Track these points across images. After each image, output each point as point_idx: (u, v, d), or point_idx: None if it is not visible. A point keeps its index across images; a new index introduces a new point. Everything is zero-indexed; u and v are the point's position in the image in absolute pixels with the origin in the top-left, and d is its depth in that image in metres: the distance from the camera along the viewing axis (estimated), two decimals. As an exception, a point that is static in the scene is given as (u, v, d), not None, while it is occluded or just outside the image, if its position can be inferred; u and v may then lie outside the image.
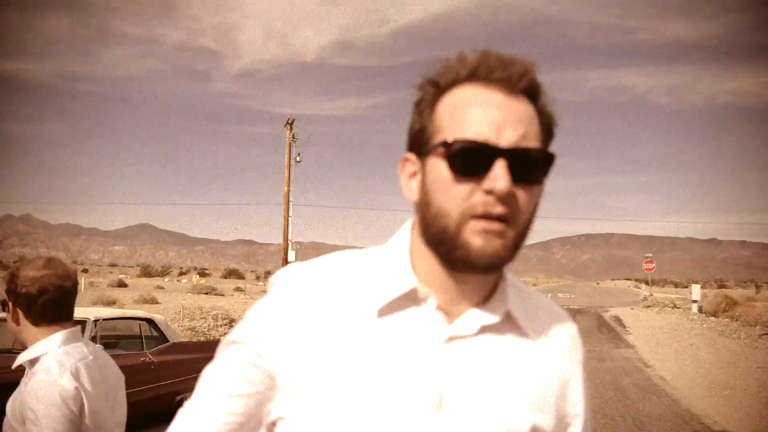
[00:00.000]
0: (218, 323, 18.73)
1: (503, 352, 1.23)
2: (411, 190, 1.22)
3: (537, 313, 1.31)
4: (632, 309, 43.11)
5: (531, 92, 1.18)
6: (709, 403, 12.05)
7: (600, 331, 27.23)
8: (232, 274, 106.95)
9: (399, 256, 1.24)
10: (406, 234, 1.26)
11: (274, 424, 1.22)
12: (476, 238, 1.12)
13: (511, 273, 1.28)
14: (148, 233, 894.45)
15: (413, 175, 1.22)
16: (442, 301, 1.20)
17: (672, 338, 23.87)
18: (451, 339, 1.19)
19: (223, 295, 45.44)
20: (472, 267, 1.14)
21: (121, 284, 64.89)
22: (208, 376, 1.24)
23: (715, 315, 32.56)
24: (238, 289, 58.97)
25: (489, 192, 1.11)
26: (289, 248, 45.32)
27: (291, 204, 45.63)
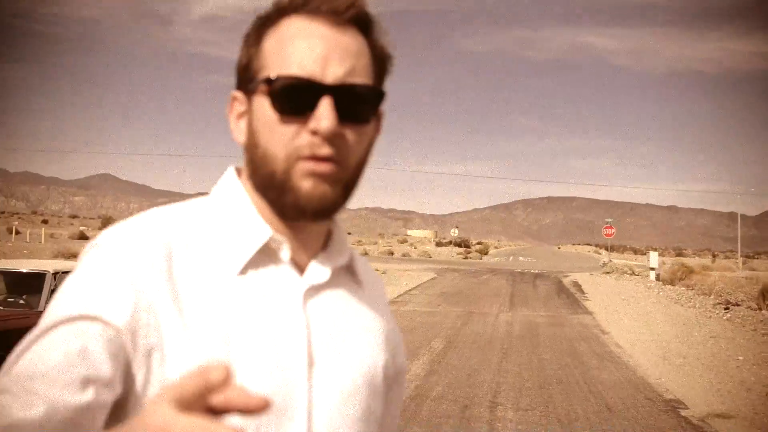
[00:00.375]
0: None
1: (352, 298, 1.21)
2: (239, 131, 1.13)
3: (359, 261, 1.28)
4: (591, 275, 43.52)
5: (361, 24, 1.12)
6: (663, 371, 12.29)
7: (559, 297, 27.57)
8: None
9: (243, 206, 1.14)
10: (234, 181, 1.17)
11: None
12: (304, 181, 1.06)
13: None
14: (109, 184, 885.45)
15: (241, 115, 1.13)
16: (291, 251, 1.14)
17: (629, 305, 24.21)
18: (307, 292, 1.14)
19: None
20: (303, 212, 1.08)
21: (82, 236, 64.36)
22: (37, 358, 0.92)
23: (671, 283, 33.05)
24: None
25: (314, 132, 1.05)
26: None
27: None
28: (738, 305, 23.00)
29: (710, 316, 21.42)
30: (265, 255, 1.12)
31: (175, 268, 1.05)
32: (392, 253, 76.08)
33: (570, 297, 27.70)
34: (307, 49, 1.06)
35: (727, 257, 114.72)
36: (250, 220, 1.12)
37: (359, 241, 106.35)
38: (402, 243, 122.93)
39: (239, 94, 1.13)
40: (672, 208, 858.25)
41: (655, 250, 46.75)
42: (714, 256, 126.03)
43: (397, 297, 25.18)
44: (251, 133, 1.10)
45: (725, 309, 22.55)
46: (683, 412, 9.35)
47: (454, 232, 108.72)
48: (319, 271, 1.16)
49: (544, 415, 8.85)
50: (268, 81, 1.06)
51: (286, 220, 1.13)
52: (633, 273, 42.82)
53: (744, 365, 13.02)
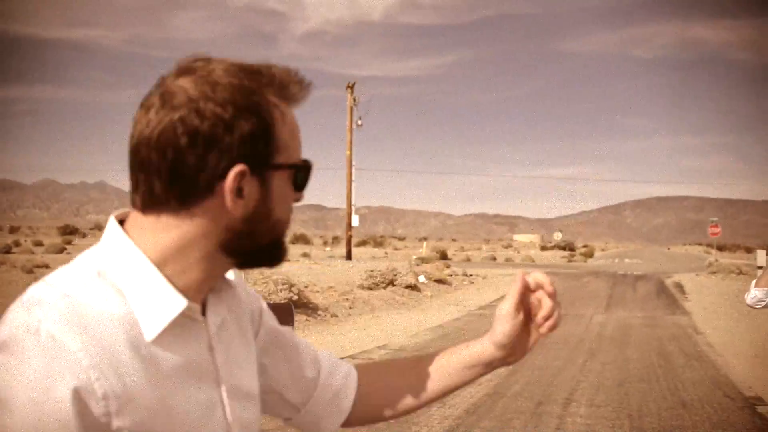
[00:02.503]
0: (278, 288, 19.35)
1: (233, 309, 1.36)
2: (238, 204, 1.18)
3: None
4: (697, 275, 42.54)
5: None
6: (751, 371, 12.17)
7: (658, 297, 27.24)
8: (299, 239, 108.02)
9: (149, 275, 1.17)
10: (128, 245, 1.18)
11: None
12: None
13: None
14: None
15: (242, 189, 1.18)
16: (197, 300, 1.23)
17: (730, 305, 23.71)
18: (212, 338, 1.26)
19: (288, 260, 46.13)
20: (280, 262, 1.29)
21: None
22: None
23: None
24: (304, 254, 59.81)
25: (297, 200, 1.28)
26: (353, 213, 45.95)
27: (354, 168, 46.16)
28: None
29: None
30: (181, 318, 1.19)
31: (103, 345, 1.08)
32: (495, 258, 75.72)
33: (669, 298, 27.31)
34: (299, 137, 1.26)
35: None
36: (161, 291, 1.16)
37: (462, 248, 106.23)
38: (506, 248, 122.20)
39: (246, 170, 1.16)
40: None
41: (764, 248, 45.21)
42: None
43: (492, 302, 25.33)
44: (263, 206, 1.20)
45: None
46: (760, 409, 9.35)
47: (558, 236, 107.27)
48: (215, 317, 1.28)
49: (615, 411, 9.03)
50: (295, 166, 1.24)
51: (242, 267, 1.29)
52: (740, 272, 41.60)
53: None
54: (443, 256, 68.46)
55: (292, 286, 19.53)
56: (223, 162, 1.14)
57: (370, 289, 25.71)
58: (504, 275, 41.38)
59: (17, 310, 1.08)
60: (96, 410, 1.05)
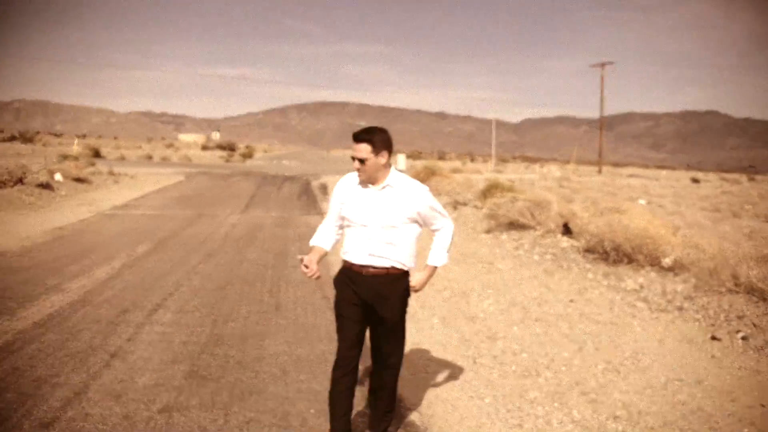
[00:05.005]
0: None
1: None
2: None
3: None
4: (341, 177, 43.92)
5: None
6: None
7: (299, 198, 27.51)
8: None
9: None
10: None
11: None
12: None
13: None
14: None
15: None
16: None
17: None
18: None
19: None
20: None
21: None
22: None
23: (415, 184, 33.85)
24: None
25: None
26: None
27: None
28: (465, 204, 23.85)
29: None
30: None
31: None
32: (151, 158, 73.41)
33: (310, 198, 27.72)
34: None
35: (485, 160, 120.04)
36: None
37: (117, 146, 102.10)
38: (168, 147, 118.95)
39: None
40: (440, 114, 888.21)
41: (420, 154, 47.71)
42: (472, 159, 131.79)
43: (130, 201, 24.17)
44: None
45: (453, 208, 23.34)
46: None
47: (216, 135, 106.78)
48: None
49: (201, 317, 8.50)
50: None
51: None
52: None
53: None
54: (96, 154, 65.14)
55: None
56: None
57: (-5, 187, 23.39)
58: (154, 174, 40.11)
59: None
60: None
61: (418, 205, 4.85)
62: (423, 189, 4.94)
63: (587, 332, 8.28)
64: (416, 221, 4.92)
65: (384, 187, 4.84)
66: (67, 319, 8.18)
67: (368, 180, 4.84)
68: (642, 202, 29.66)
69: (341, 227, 5.14)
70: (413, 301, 9.62)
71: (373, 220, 4.83)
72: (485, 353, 7.42)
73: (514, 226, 16.82)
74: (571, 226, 15.55)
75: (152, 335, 7.65)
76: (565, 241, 14.69)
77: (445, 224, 5.12)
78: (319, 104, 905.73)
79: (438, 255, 5.15)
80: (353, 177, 4.97)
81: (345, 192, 5.01)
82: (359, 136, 4.80)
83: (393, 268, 4.88)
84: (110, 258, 12.43)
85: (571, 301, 9.92)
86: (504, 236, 16.37)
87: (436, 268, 5.21)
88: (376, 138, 4.79)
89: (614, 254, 12.22)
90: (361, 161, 4.76)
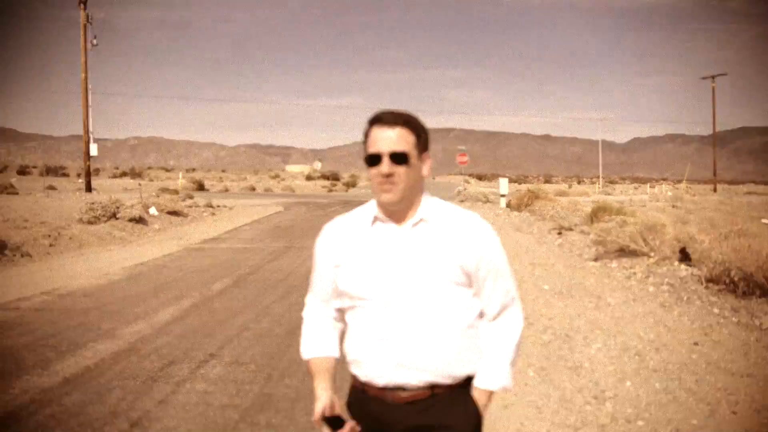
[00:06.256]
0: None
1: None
2: None
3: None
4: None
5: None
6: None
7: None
8: (52, 171, 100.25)
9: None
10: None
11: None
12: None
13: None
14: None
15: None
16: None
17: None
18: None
19: (17, 193, 41.61)
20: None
21: None
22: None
23: (519, 209, 32.42)
24: (50, 187, 54.50)
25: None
26: (91, 141, 42.27)
27: (90, 93, 42.35)
28: (571, 230, 22.27)
29: (543, 242, 20.65)
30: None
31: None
32: (254, 189, 73.85)
33: (408, 227, 26.61)
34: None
35: (592, 182, 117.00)
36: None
37: (220, 178, 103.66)
38: (274, 178, 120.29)
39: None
40: (546, 137, 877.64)
41: (525, 178, 46.23)
42: (579, 182, 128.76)
43: (221, 234, 23.57)
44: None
45: (558, 234, 21.85)
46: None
47: (317, 165, 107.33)
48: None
49: (256, 371, 7.27)
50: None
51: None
52: (487, 200, 42.31)
53: (548, 294, 11.93)
54: (200, 187, 66.01)
55: (-33, 220, 16.65)
56: None
57: (90, 223, 23.17)
58: (253, 206, 39.86)
59: None
60: None
61: (472, 251, 2.70)
62: (482, 225, 2.79)
63: (719, 387, 6.66)
64: (468, 284, 2.73)
65: (418, 223, 2.72)
66: (103, 373, 7.15)
67: (397, 203, 2.67)
68: (766, 221, 27.38)
69: (341, 310, 2.88)
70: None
71: (402, 288, 2.66)
72: (590, 420, 5.91)
73: (624, 252, 15.25)
74: (689, 251, 13.90)
75: (190, 396, 6.47)
76: (683, 270, 13.06)
77: (513, 310, 2.83)
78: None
79: (497, 369, 2.77)
80: (351, 219, 2.86)
81: (339, 245, 2.81)
82: (393, 118, 2.70)
83: (439, 385, 2.69)
84: (180, 297, 11.52)
85: (695, 344, 8.31)
86: (613, 264, 14.79)
87: (492, 393, 2.79)
88: (421, 127, 2.75)
89: (743, 285, 10.54)
90: (398, 159, 2.63)
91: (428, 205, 2.76)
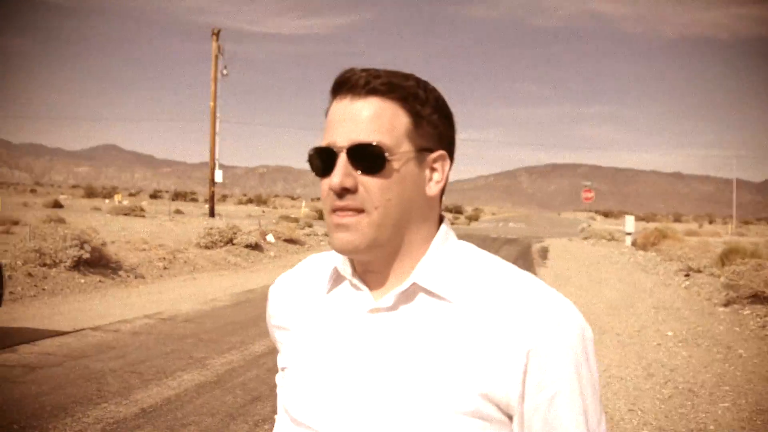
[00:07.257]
0: (67, 244, 16.64)
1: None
2: None
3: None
4: (570, 240, 41.78)
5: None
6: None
7: (515, 262, 25.54)
8: (182, 196, 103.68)
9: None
10: None
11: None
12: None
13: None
14: (113, 154, 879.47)
15: None
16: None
17: (588, 272, 22.30)
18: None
19: (144, 216, 42.91)
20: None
21: (57, 205, 62.02)
22: None
23: (644, 248, 31.03)
24: (177, 211, 56.02)
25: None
26: (216, 167, 43.20)
27: (218, 121, 43.35)
28: (700, 272, 20.91)
29: (669, 284, 19.48)
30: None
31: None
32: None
33: (527, 262, 25.83)
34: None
35: (725, 222, 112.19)
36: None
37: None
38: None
39: None
40: (676, 175, 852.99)
41: (654, 217, 44.61)
42: (711, 221, 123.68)
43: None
44: None
45: (685, 276, 20.56)
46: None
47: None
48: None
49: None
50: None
51: None
52: (611, 238, 40.87)
53: (671, 341, 10.98)
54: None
55: (84, 242, 16.88)
56: None
57: (207, 248, 23.40)
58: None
59: None
60: None
61: (514, 368, 1.20)
62: (552, 313, 1.24)
63: None
64: (496, 421, 1.23)
65: (409, 295, 1.30)
66: (182, 406, 6.76)
67: (363, 252, 1.29)
68: None
69: None
70: (619, 400, 7.49)
71: (371, 422, 1.25)
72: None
73: (759, 298, 14.03)
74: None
75: (267, 438, 6.02)
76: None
77: None
78: (549, 166, 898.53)
79: None
80: (307, 269, 1.51)
81: (287, 317, 1.47)
82: (365, 79, 1.28)
83: None
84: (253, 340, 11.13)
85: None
86: (746, 311, 13.61)
87: None
88: (425, 97, 1.31)
89: None
90: (364, 161, 1.26)
91: (438, 258, 1.32)
